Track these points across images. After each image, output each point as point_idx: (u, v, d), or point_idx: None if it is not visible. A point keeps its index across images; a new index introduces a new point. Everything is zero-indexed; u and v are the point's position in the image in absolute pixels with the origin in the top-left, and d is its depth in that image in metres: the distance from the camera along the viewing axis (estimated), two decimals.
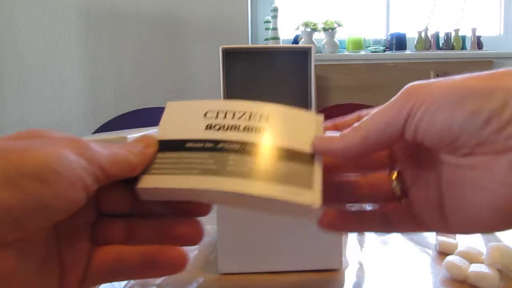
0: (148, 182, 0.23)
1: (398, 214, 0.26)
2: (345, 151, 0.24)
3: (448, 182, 0.23)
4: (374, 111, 0.24)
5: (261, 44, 2.05)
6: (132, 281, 0.38)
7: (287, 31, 2.10)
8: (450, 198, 0.23)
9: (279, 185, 0.22)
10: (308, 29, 2.00)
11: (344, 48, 2.08)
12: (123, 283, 0.37)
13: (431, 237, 0.47)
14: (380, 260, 0.41)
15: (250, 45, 1.96)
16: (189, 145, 0.24)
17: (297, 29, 2.05)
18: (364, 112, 0.25)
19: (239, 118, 0.25)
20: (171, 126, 0.25)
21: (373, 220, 0.27)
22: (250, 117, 0.25)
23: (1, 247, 0.18)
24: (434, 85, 0.22)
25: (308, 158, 0.24)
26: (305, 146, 0.24)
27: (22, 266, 0.19)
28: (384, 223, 0.26)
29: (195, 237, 0.24)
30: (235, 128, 0.25)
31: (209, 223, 0.52)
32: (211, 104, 0.25)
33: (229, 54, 0.50)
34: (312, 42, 1.99)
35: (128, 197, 0.24)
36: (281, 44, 1.98)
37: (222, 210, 0.37)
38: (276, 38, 1.97)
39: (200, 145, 0.24)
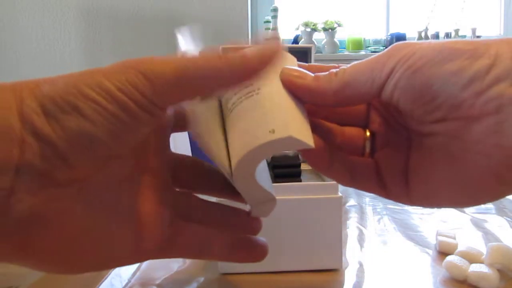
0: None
1: (363, 168, 0.26)
2: (317, 94, 0.23)
3: (416, 149, 0.23)
4: (355, 63, 0.23)
5: None
6: (132, 281, 0.38)
7: (287, 31, 2.10)
8: (416, 166, 0.23)
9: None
10: (308, 29, 2.00)
11: (344, 48, 2.08)
12: (123, 282, 0.37)
13: (431, 237, 0.47)
14: (380, 260, 0.41)
15: (250, 45, 1.95)
16: None
17: (297, 29, 2.05)
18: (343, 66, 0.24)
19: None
20: None
21: (340, 166, 0.25)
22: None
23: (55, 187, 0.18)
24: (420, 45, 0.21)
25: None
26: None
27: (82, 210, 0.19)
28: (349, 172, 0.25)
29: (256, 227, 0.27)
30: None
31: None
32: None
33: None
34: (312, 42, 1.99)
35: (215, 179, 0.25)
36: None
37: None
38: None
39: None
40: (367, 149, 0.25)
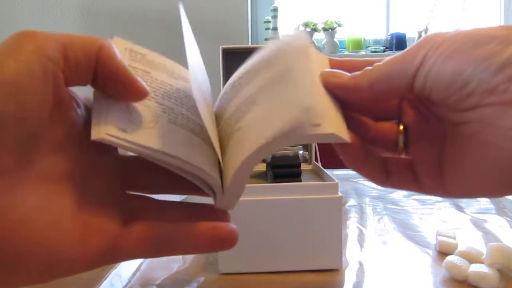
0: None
1: (398, 166, 0.25)
2: (355, 91, 0.23)
3: (451, 140, 0.23)
4: (388, 57, 0.23)
5: (261, 44, 2.05)
6: (132, 281, 0.38)
7: (287, 31, 2.10)
8: (451, 158, 0.22)
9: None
10: (308, 29, 2.00)
11: (344, 48, 2.08)
12: (123, 282, 0.37)
13: (431, 237, 0.47)
14: (380, 260, 0.41)
15: (250, 45, 1.96)
16: None
17: (297, 29, 2.05)
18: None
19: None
20: None
21: (375, 163, 0.25)
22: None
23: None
24: (450, 33, 0.21)
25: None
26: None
27: (16, 207, 0.18)
28: (384, 171, 0.25)
29: (226, 218, 0.25)
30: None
31: None
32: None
33: (229, 54, 0.50)
34: (312, 42, 1.99)
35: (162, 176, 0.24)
36: None
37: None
38: (276, 38, 1.97)
39: None
40: (401, 144, 0.25)
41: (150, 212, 0.24)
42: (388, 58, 0.23)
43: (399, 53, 0.22)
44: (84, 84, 0.21)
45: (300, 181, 0.40)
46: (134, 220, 0.22)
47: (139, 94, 0.21)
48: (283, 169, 0.40)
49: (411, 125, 0.25)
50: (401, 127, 0.25)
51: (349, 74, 0.24)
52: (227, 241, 0.23)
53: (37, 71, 0.18)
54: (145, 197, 0.25)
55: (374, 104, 0.26)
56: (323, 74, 0.24)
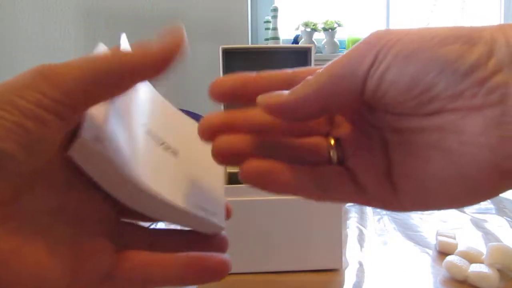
0: None
1: (336, 178, 0.22)
2: (301, 104, 0.20)
3: (398, 150, 0.21)
4: (331, 61, 0.20)
5: (261, 44, 2.05)
6: None
7: (287, 31, 2.10)
8: (403, 168, 0.20)
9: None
10: (308, 29, 2.00)
11: (344, 48, 2.08)
12: None
13: (431, 237, 0.47)
14: (380, 260, 0.41)
15: (250, 45, 1.96)
16: None
17: (297, 29, 2.05)
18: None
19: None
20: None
21: (309, 181, 0.22)
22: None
23: None
24: (405, 30, 0.19)
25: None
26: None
27: (8, 235, 0.18)
28: (316, 187, 0.22)
29: (222, 245, 0.24)
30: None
31: None
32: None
33: (229, 54, 0.50)
34: (312, 42, 1.99)
35: None
36: (281, 44, 1.98)
37: None
38: (276, 38, 1.97)
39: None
40: (334, 158, 0.23)
41: (143, 239, 0.23)
42: (331, 61, 0.20)
43: (345, 52, 0.20)
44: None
45: None
46: (127, 248, 0.22)
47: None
48: None
49: (344, 136, 0.23)
50: (332, 141, 0.23)
51: (286, 92, 0.21)
52: (216, 273, 0.22)
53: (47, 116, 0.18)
54: (138, 225, 0.24)
55: (316, 117, 0.22)
56: (259, 103, 0.21)
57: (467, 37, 0.18)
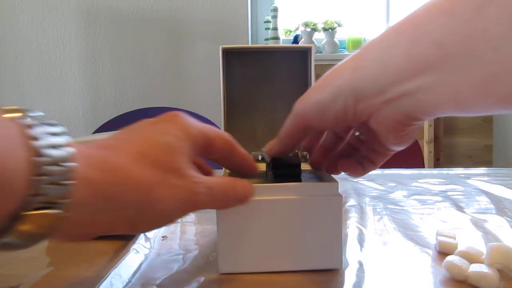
0: None
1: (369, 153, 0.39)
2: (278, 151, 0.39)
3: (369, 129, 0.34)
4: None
5: (261, 44, 2.05)
6: (132, 281, 0.38)
7: (287, 31, 2.10)
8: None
9: None
10: (308, 29, 2.00)
11: (344, 48, 2.08)
12: (124, 282, 0.37)
13: (431, 237, 0.47)
14: (380, 260, 0.41)
15: (250, 45, 1.96)
16: None
17: (297, 29, 2.05)
18: None
19: None
20: None
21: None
22: None
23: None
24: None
25: None
26: None
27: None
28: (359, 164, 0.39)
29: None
30: None
31: (209, 223, 0.52)
32: None
33: (229, 54, 0.50)
34: (312, 42, 1.99)
35: None
36: (281, 44, 1.98)
37: (222, 210, 0.37)
38: (276, 38, 1.97)
39: None
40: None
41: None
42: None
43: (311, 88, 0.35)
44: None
45: (300, 181, 0.40)
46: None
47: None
48: (283, 169, 0.40)
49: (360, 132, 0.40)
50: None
51: (274, 140, 0.38)
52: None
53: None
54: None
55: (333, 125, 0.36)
56: (267, 152, 0.40)
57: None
